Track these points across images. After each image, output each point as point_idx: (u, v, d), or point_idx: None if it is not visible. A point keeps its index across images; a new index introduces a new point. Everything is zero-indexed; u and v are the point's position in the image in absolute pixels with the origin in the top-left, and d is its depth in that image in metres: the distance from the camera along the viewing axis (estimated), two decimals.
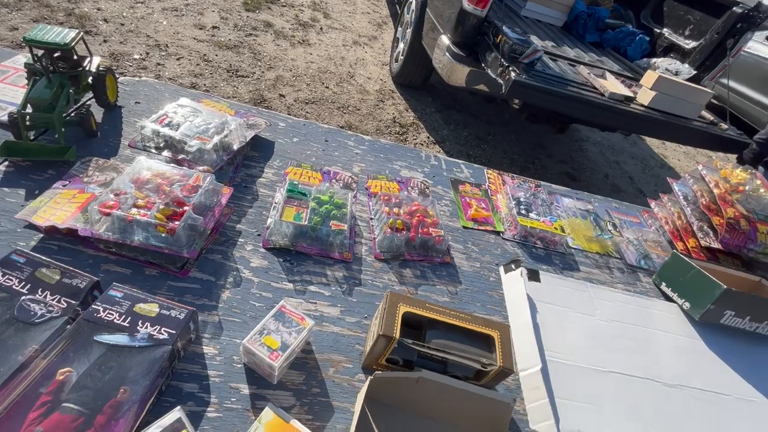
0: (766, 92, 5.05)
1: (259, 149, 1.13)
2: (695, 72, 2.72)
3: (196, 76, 2.81)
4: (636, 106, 2.26)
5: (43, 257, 0.65)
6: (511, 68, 2.01)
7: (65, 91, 0.89)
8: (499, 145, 3.42)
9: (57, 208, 0.75)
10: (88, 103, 1.03)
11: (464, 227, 1.13)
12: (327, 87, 3.27)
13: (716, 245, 1.17)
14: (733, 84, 5.57)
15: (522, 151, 3.48)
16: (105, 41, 2.79)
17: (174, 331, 0.62)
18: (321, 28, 4.15)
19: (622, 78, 2.58)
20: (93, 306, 0.61)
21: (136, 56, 2.77)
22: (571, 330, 0.93)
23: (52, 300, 0.61)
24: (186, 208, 0.76)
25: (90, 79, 0.98)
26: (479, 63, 2.30)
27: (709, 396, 0.89)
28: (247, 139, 1.05)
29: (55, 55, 0.92)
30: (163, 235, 0.74)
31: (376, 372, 0.66)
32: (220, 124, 1.00)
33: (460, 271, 1.00)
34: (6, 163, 0.84)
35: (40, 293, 0.61)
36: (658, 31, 3.17)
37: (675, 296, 1.10)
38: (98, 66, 0.99)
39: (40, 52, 0.89)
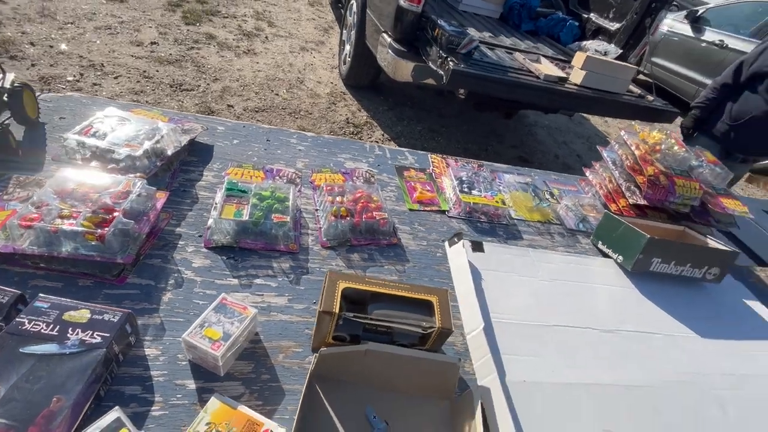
0: (690, 66, 5.48)
1: (197, 154, 1.12)
2: (621, 51, 2.92)
3: (137, 93, 2.72)
4: (570, 86, 2.40)
5: None
6: (449, 59, 2.08)
7: None
8: (453, 136, 3.52)
9: None
10: (6, 122, 0.98)
11: (410, 210, 1.17)
12: (277, 94, 3.25)
13: (642, 201, 1.27)
14: (662, 61, 6.01)
15: (475, 140, 3.60)
16: (33, 65, 2.65)
17: (107, 334, 0.61)
18: (266, 37, 4.12)
19: (556, 61, 2.73)
20: (17, 319, 0.59)
21: (70, 78, 2.65)
22: (514, 292, 0.98)
23: None
24: (116, 213, 0.75)
25: (5, 97, 0.94)
26: (421, 57, 2.37)
27: (640, 336, 0.96)
28: (182, 144, 1.04)
29: None
30: (93, 243, 0.72)
31: (322, 349, 0.68)
32: (151, 130, 0.99)
33: (408, 251, 1.04)
34: None
35: None
36: (586, 16, 3.38)
37: (610, 252, 1.19)
38: (12, 82, 0.95)
39: None
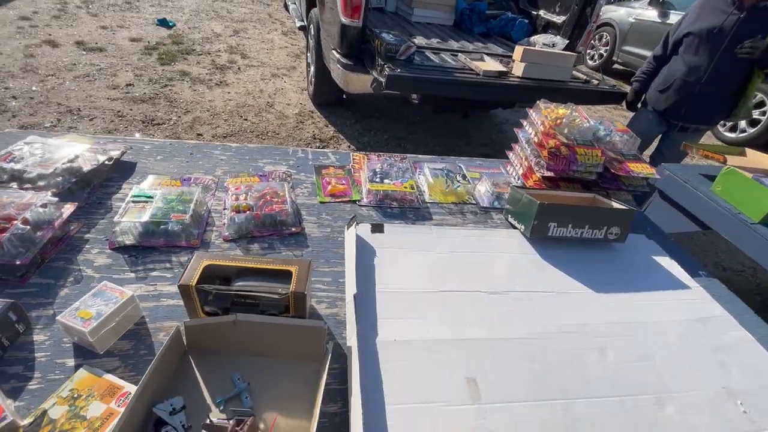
0: None
1: (120, 171, 1.22)
2: (568, 41, 3.01)
3: (110, 132, 2.90)
4: (512, 79, 2.49)
5: None
6: (386, 65, 2.20)
7: None
8: (421, 141, 3.62)
9: None
10: None
11: (321, 202, 1.25)
12: (245, 119, 3.41)
13: (547, 173, 1.33)
14: (633, 49, 6.08)
15: (444, 142, 3.69)
16: (14, 116, 2.85)
17: None
18: (239, 68, 4.34)
19: (502, 58, 2.83)
20: None
21: (47, 124, 2.85)
22: (408, 266, 1.04)
23: None
24: (14, 222, 0.85)
25: None
26: (366, 68, 2.50)
27: (530, 295, 1.01)
28: (100, 162, 1.15)
29: None
30: None
31: (186, 321, 0.75)
32: (68, 152, 1.10)
33: (310, 238, 1.11)
34: None
35: None
36: (535, 12, 3.50)
37: (516, 224, 1.24)
38: None
39: None
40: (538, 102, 1.47)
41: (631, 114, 2.59)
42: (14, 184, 1.03)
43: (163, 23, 5.10)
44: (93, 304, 0.75)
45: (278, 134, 3.29)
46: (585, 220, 1.16)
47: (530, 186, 1.40)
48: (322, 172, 1.39)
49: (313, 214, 1.20)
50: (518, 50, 2.51)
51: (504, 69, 2.51)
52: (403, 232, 1.15)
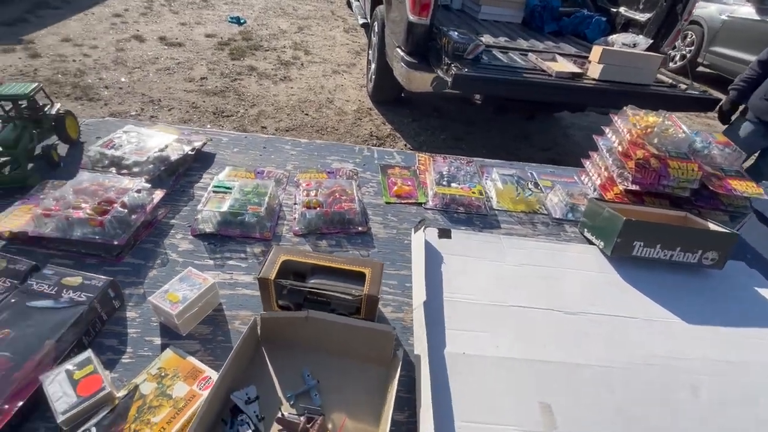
0: (757, 52, 4.93)
1: (201, 161, 1.29)
2: (652, 41, 2.76)
3: (185, 122, 3.11)
4: (587, 81, 2.33)
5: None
6: (453, 65, 2.14)
7: (26, 131, 1.09)
8: (478, 142, 3.52)
9: (15, 219, 0.93)
10: (57, 143, 1.23)
11: (387, 203, 1.24)
12: (306, 114, 3.51)
13: (632, 186, 1.22)
14: (723, 50, 5.48)
15: (503, 144, 3.55)
16: (105, 104, 3.15)
17: (91, 295, 0.75)
18: (302, 64, 4.48)
19: (576, 59, 2.66)
20: (28, 281, 0.76)
21: (133, 113, 3.11)
22: (476, 275, 1.00)
23: (1, 282, 0.77)
24: (114, 205, 0.92)
25: (52, 122, 1.18)
26: (431, 67, 2.46)
27: (610, 320, 0.93)
28: (186, 152, 1.22)
29: (21, 104, 1.13)
30: (96, 228, 0.89)
31: (262, 312, 0.77)
32: (159, 141, 1.18)
33: (376, 238, 1.10)
34: None
35: None
36: (615, 10, 3.25)
37: (594, 239, 1.15)
38: (58, 110, 1.20)
39: (8, 106, 1.11)
40: (625, 108, 1.36)
41: (719, 124, 2.32)
42: (113, 169, 1.12)
43: (236, 20, 5.39)
44: (179, 288, 0.79)
45: (337, 130, 3.35)
46: (677, 242, 1.05)
47: (610, 199, 1.30)
48: (387, 171, 1.38)
49: (378, 214, 1.19)
50: (596, 50, 2.35)
51: (579, 70, 2.35)
52: (471, 239, 1.11)
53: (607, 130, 1.40)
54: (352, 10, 5.87)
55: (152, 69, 3.80)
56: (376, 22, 3.45)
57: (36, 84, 1.14)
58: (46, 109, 1.18)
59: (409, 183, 1.33)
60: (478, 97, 2.65)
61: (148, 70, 3.77)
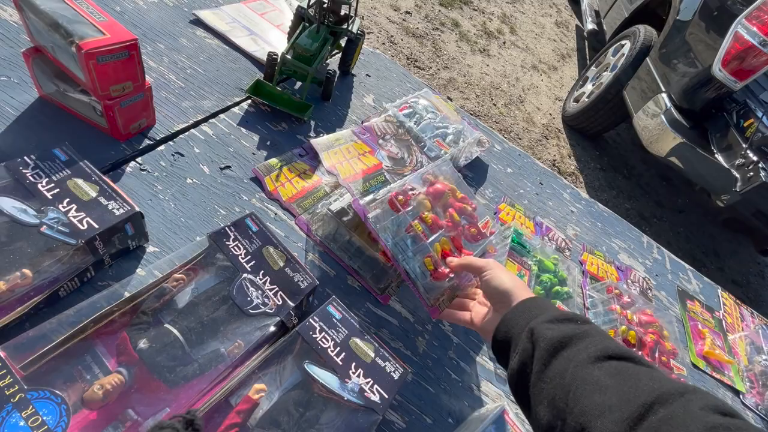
0: None
1: (473, 170, 0.96)
2: None
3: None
4: None
5: (274, 236, 0.55)
6: (761, 165, 1.57)
7: (326, 46, 0.81)
8: (663, 234, 2.88)
9: (286, 180, 0.67)
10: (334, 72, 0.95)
11: (693, 365, 0.84)
12: (495, 104, 3.05)
13: None
14: None
15: (689, 251, 2.88)
16: None
17: (387, 396, 0.47)
18: (504, 42, 3.93)
19: None
20: (310, 320, 0.49)
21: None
22: None
23: (270, 290, 0.51)
24: (464, 253, 0.60)
25: (345, 41, 0.90)
26: (705, 141, 1.88)
27: None
28: (472, 158, 0.89)
29: (325, 5, 0.84)
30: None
31: None
32: (458, 132, 0.85)
33: None
34: (249, 102, 0.79)
35: (261, 276, 0.51)
36: None
37: None
38: (359, 28, 0.90)
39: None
40: None
41: None
42: (393, 141, 0.82)
43: None
44: None
45: (521, 139, 2.88)
46: None
47: None
48: (686, 304, 0.96)
49: (684, 377, 0.80)
50: None
51: None
52: None
53: None
54: (578, 6, 5.07)
55: None
56: (628, 41, 2.80)
57: None
58: (348, 23, 0.88)
59: (719, 342, 0.91)
60: (724, 198, 2.02)
61: None
